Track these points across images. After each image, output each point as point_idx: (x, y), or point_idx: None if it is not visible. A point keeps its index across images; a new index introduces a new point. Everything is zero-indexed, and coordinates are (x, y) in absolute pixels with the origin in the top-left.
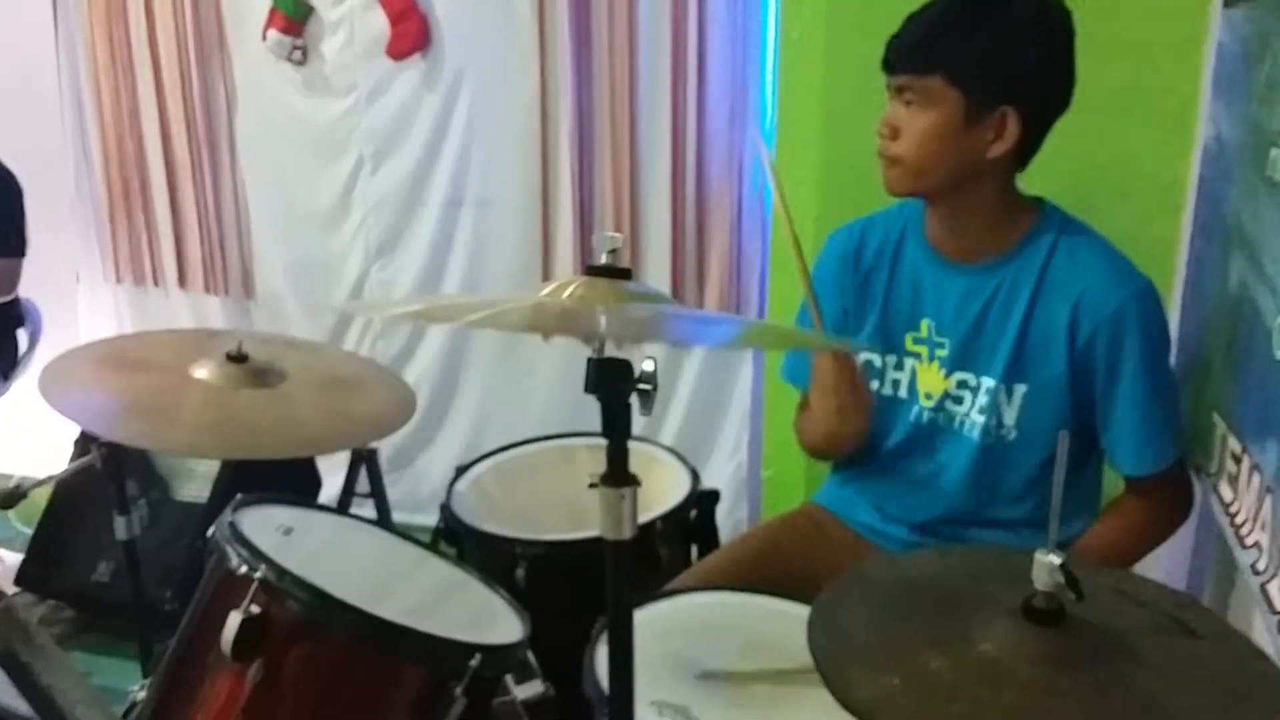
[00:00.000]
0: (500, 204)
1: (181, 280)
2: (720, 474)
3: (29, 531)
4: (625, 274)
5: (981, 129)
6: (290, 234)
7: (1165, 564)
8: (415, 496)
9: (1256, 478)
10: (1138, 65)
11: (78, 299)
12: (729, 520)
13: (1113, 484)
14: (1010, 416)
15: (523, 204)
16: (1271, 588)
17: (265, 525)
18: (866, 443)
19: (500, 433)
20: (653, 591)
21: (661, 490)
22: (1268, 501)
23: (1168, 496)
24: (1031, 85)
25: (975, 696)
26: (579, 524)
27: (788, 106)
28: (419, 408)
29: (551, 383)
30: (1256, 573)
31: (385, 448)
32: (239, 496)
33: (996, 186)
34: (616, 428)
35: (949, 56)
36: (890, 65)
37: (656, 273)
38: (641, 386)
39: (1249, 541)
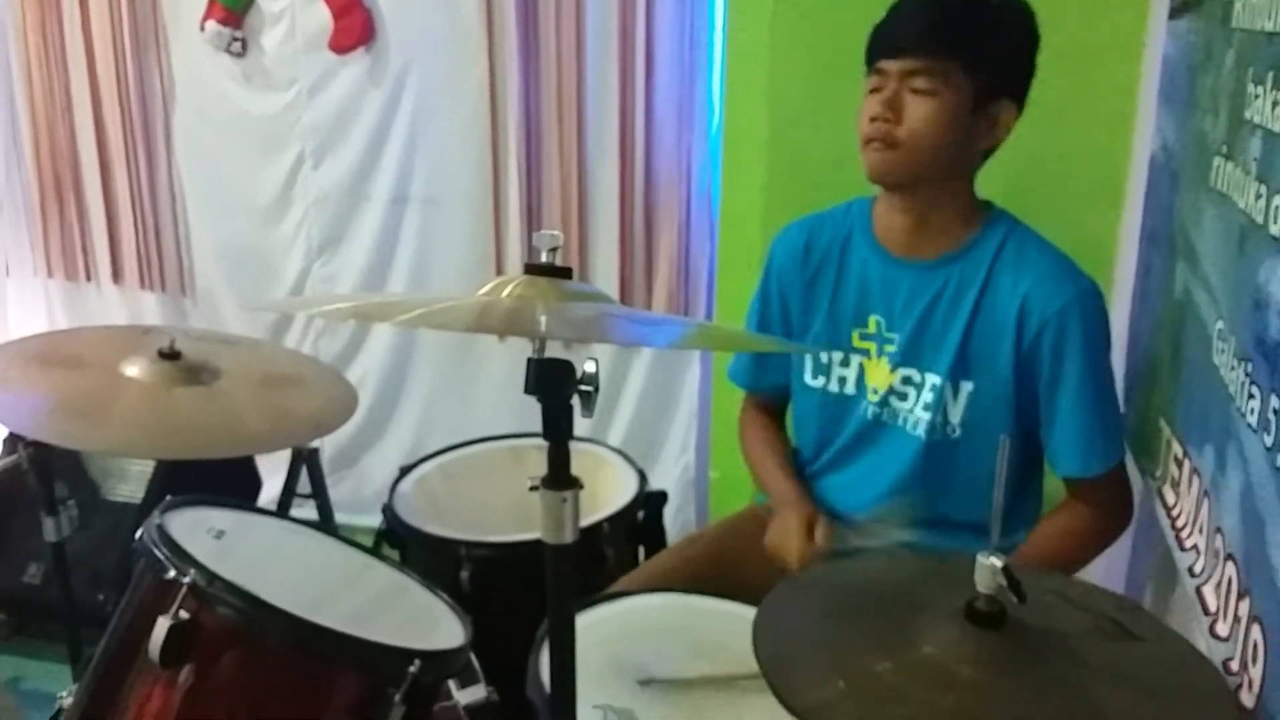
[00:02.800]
0: (446, 201)
1: (115, 275)
2: (667, 475)
3: None
4: (566, 273)
5: (980, 120)
6: (229, 230)
7: (1102, 568)
8: (359, 497)
9: (1196, 481)
10: (1076, 71)
11: (6, 293)
12: (676, 521)
13: (1053, 498)
14: (956, 415)
15: (469, 202)
16: (1206, 590)
17: (196, 528)
18: (816, 440)
19: (447, 432)
20: (599, 593)
21: (608, 491)
22: (1205, 505)
23: (1108, 501)
24: (1023, 81)
25: (919, 699)
26: (527, 525)
27: (734, 109)
28: (363, 406)
29: (501, 381)
30: (1193, 575)
31: (328, 447)
32: (168, 498)
33: (966, 183)
34: (558, 430)
35: (968, 43)
36: (898, 48)
37: (605, 273)
38: (583, 388)
39: (1188, 545)
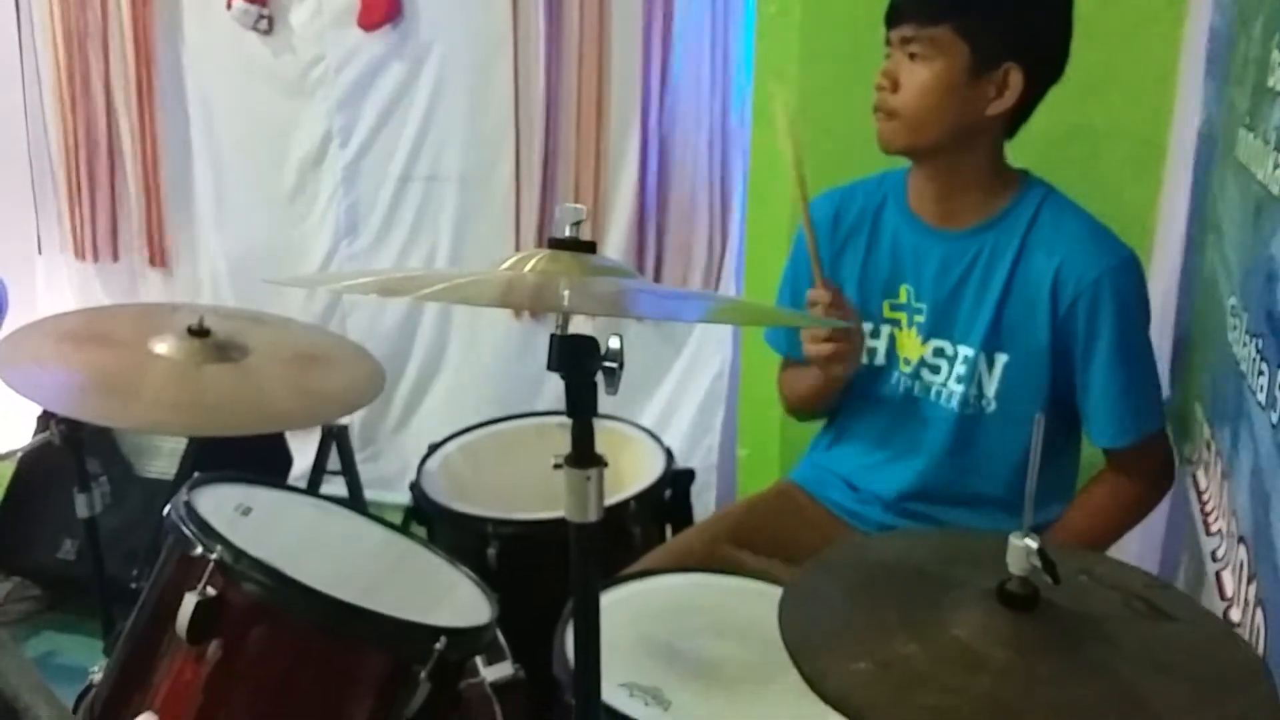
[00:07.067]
0: (476, 179)
1: (144, 255)
2: (693, 454)
3: None
4: (589, 247)
5: (983, 84)
6: (257, 209)
7: (1135, 554)
8: (390, 474)
9: (1220, 463)
10: (1115, 41)
11: (36, 273)
12: (703, 500)
13: (1088, 473)
14: (991, 387)
15: (499, 179)
16: (1225, 575)
17: (223, 505)
18: (847, 412)
19: (479, 408)
20: (625, 571)
21: (635, 469)
22: (1225, 487)
23: (1148, 469)
24: (1035, 44)
25: (949, 682)
26: (555, 504)
27: (764, 83)
28: (394, 383)
29: (533, 359)
30: (1215, 560)
31: (359, 424)
32: (195, 475)
33: (987, 150)
34: (581, 407)
35: (959, 7)
36: (896, 16)
37: (628, 249)
38: (607, 364)
39: (1213, 529)
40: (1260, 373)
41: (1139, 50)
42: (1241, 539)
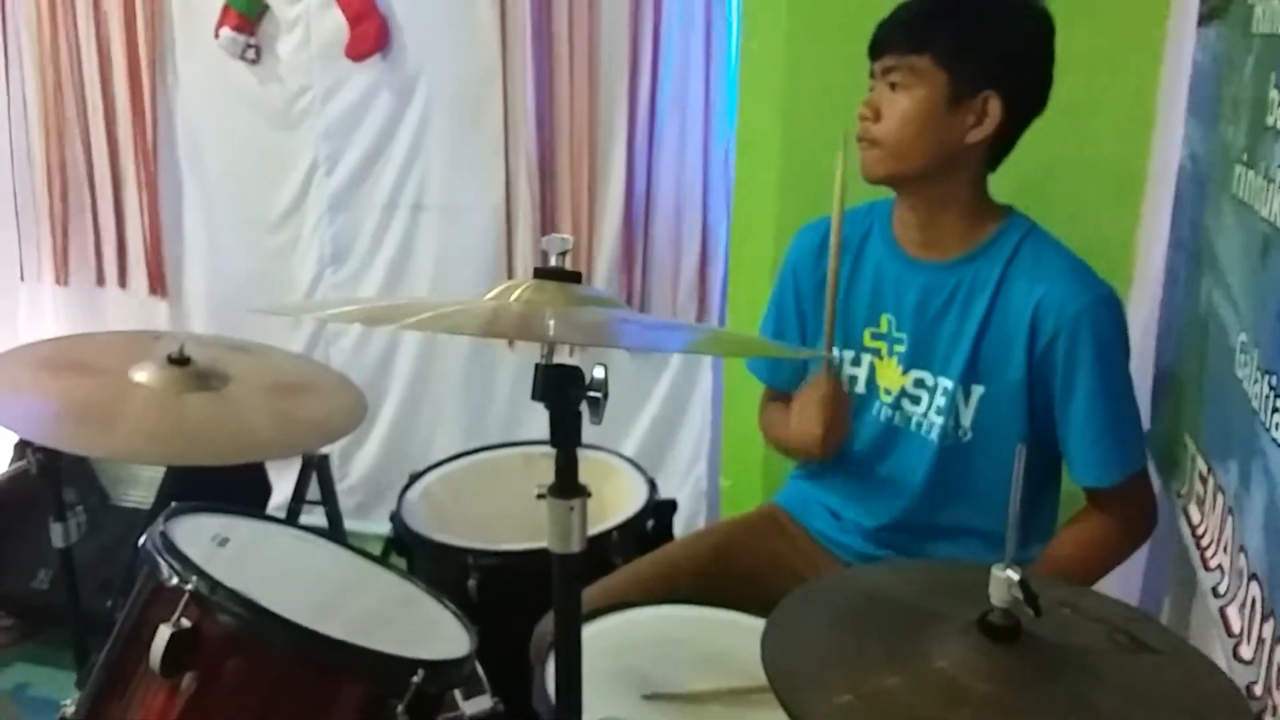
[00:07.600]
0: (460, 209)
1: (126, 282)
2: (679, 485)
3: None
4: (575, 277)
5: (963, 112)
6: (241, 237)
7: (1118, 583)
8: (371, 504)
9: (1220, 499)
10: (1093, 75)
11: (19, 300)
12: (687, 531)
13: (1069, 512)
14: (967, 418)
15: (483, 209)
16: (1230, 611)
17: (199, 535)
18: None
19: (464, 438)
20: (606, 604)
21: (618, 500)
22: (1229, 523)
23: (1130, 510)
24: (1014, 73)
25: (932, 714)
26: (537, 534)
27: (748, 116)
28: (377, 412)
29: (517, 388)
30: (1217, 595)
31: (339, 453)
32: (172, 505)
33: (969, 180)
34: (565, 437)
35: (939, 37)
36: (878, 48)
37: (615, 279)
38: (591, 394)
39: (1212, 564)
40: (1275, 409)
41: (1116, 83)
42: (1254, 576)
